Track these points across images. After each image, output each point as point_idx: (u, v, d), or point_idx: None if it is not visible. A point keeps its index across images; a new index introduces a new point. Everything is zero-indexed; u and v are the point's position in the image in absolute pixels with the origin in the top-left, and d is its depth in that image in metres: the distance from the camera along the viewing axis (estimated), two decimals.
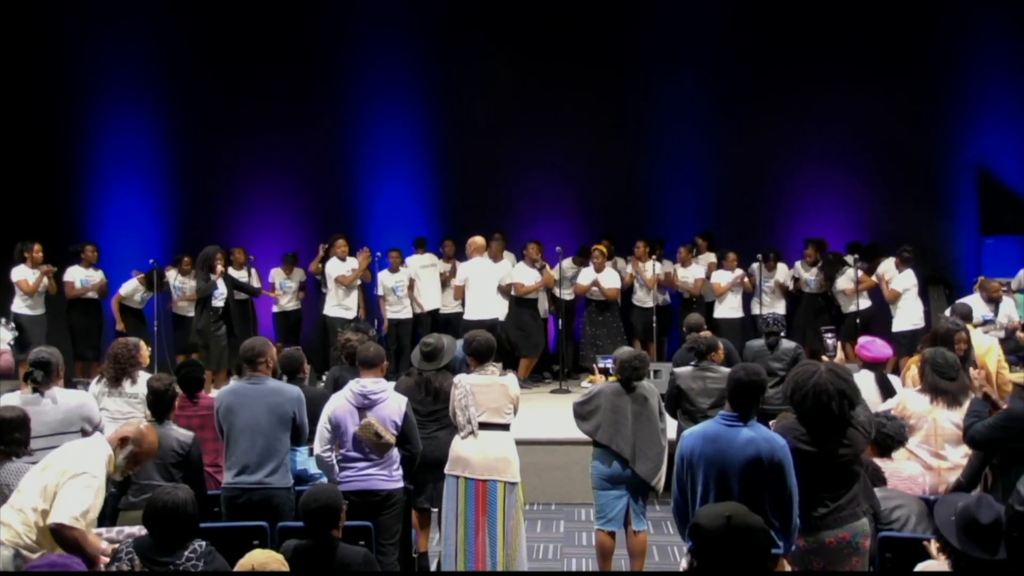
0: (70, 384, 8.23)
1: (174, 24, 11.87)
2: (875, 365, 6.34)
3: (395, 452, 5.38)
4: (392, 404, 5.38)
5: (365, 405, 5.33)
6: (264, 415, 5.17)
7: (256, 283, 10.88)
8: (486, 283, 9.75)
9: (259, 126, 12.04)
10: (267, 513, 5.05)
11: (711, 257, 11.32)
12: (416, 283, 10.89)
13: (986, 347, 7.09)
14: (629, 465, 5.77)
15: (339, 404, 5.38)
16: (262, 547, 4.46)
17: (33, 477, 4.12)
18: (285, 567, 3.79)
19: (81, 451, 4.18)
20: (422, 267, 10.96)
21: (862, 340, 6.53)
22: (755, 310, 10.64)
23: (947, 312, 7.83)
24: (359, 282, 10.56)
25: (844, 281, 10.60)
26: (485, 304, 9.67)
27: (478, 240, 9.85)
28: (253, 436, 5.15)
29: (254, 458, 5.13)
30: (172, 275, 10.78)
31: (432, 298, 10.92)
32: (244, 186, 12.21)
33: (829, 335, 5.09)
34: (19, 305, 9.88)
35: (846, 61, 11.70)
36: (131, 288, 10.49)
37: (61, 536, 3.99)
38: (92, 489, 4.06)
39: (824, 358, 4.98)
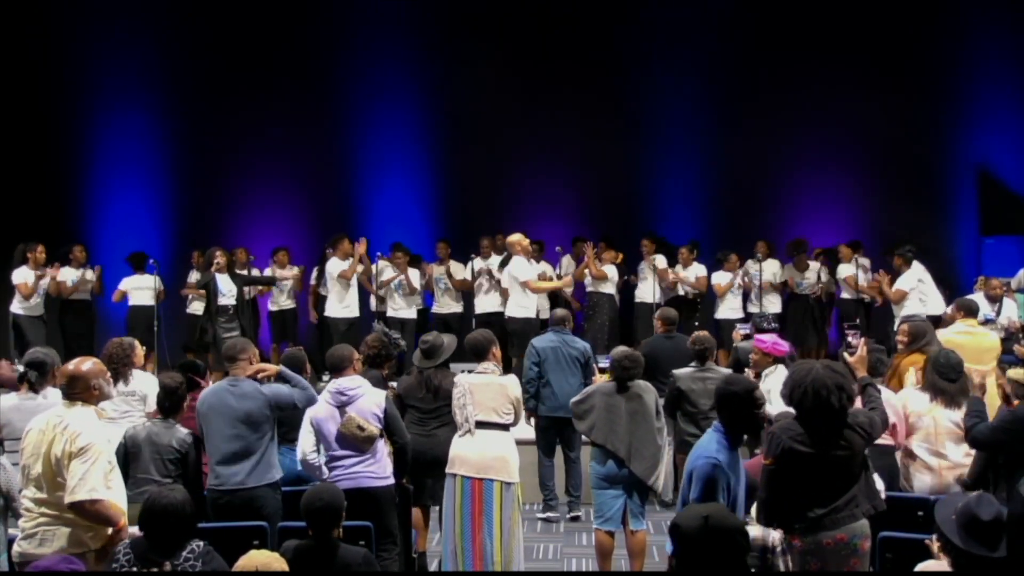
0: None
1: (174, 24, 11.88)
2: (785, 361, 6.30)
3: (381, 446, 5.40)
4: (370, 398, 5.41)
5: (343, 403, 5.36)
6: (241, 416, 5.15)
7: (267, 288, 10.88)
8: (510, 282, 9.45)
9: (259, 126, 12.04)
10: (251, 513, 5.04)
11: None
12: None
13: (988, 345, 7.12)
14: (625, 464, 5.77)
15: (319, 407, 5.41)
16: (262, 547, 4.47)
17: (42, 459, 4.18)
18: (286, 568, 3.79)
19: (74, 423, 4.21)
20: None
21: (764, 337, 6.52)
22: (750, 309, 10.64)
23: (948, 308, 7.81)
24: (355, 279, 10.50)
25: (846, 270, 10.74)
26: (526, 302, 9.30)
27: (515, 238, 9.42)
28: (228, 438, 5.14)
29: (231, 460, 5.12)
30: (191, 275, 10.78)
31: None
32: (244, 186, 12.21)
33: (852, 333, 5.05)
34: (18, 306, 9.87)
35: (846, 62, 11.70)
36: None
37: (84, 512, 4.11)
38: (99, 461, 4.14)
39: (846, 355, 4.98)
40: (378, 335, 6.66)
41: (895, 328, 7.27)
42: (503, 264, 10.01)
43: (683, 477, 4.19)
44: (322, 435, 5.38)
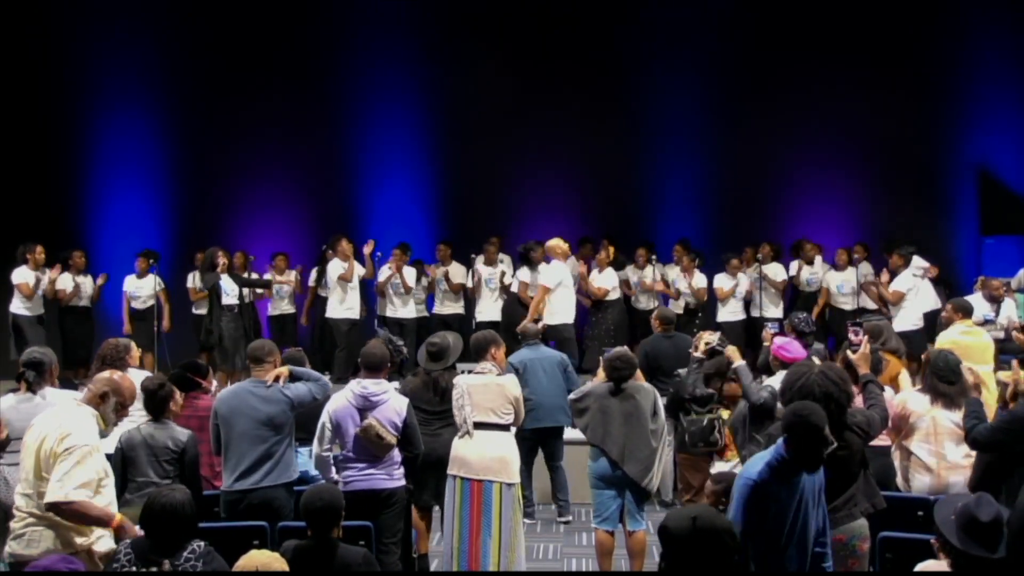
0: (70, 385, 8.20)
1: (174, 24, 11.88)
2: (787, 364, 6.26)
3: (396, 451, 5.39)
4: (393, 405, 5.38)
5: (366, 406, 5.33)
6: (264, 419, 5.17)
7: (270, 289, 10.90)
8: (567, 287, 9.45)
9: (259, 126, 12.04)
10: (268, 514, 5.05)
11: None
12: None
13: (987, 345, 7.13)
14: (618, 466, 5.77)
15: (340, 404, 5.38)
16: (262, 547, 4.47)
17: (33, 455, 4.18)
18: (286, 568, 3.79)
19: (68, 422, 4.20)
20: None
21: (779, 340, 6.51)
22: (754, 312, 10.62)
23: (945, 309, 7.78)
24: (356, 281, 10.50)
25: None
26: (567, 308, 9.35)
27: (553, 242, 9.44)
28: (252, 440, 5.15)
29: (252, 462, 5.14)
30: (192, 276, 10.79)
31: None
32: (244, 186, 12.20)
33: (855, 330, 5.03)
34: (18, 306, 9.87)
35: (846, 62, 11.69)
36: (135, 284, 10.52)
37: (62, 514, 4.08)
38: (84, 463, 4.11)
39: (848, 352, 4.98)
40: (382, 340, 6.63)
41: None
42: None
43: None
44: (339, 433, 5.36)
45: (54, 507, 4.06)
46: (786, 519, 3.72)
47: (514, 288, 10.30)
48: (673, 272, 11.07)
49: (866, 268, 10.78)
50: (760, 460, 3.79)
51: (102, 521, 4.14)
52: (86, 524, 4.13)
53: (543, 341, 7.91)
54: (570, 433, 7.27)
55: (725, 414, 5.90)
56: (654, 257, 11.00)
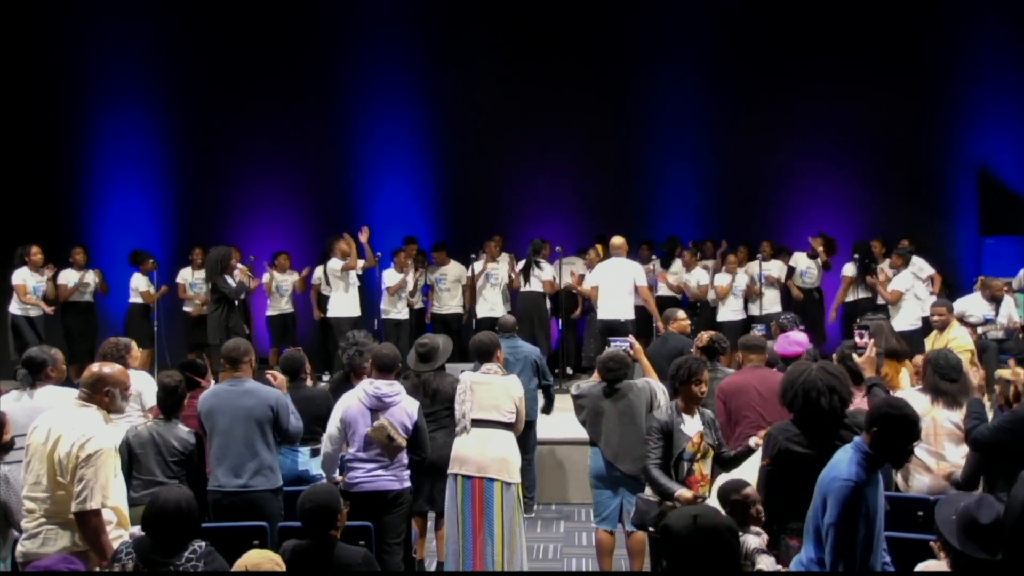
0: (70, 384, 8.19)
1: (174, 24, 11.89)
2: (792, 360, 6.26)
3: (404, 453, 5.39)
4: (405, 407, 5.38)
5: (379, 407, 5.32)
6: (242, 417, 5.16)
7: (254, 283, 10.88)
8: (619, 283, 9.37)
9: (259, 126, 12.05)
10: (252, 516, 5.05)
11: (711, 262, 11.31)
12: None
13: (966, 345, 7.14)
14: (614, 465, 5.76)
15: (351, 404, 5.37)
16: (262, 547, 4.47)
17: (46, 459, 4.18)
18: (281, 567, 3.80)
19: (85, 426, 4.20)
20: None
21: (780, 341, 6.52)
22: (753, 311, 10.62)
23: (940, 313, 7.77)
24: (357, 275, 10.47)
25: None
26: (615, 304, 9.33)
27: (616, 240, 9.48)
28: (232, 439, 5.14)
29: (235, 461, 5.13)
30: (187, 273, 10.79)
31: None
32: (244, 186, 12.21)
33: (860, 332, 5.00)
34: (16, 307, 9.87)
35: (846, 61, 11.71)
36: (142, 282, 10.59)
37: (84, 524, 4.10)
38: (103, 469, 4.14)
39: (854, 355, 4.96)
40: (344, 347, 6.52)
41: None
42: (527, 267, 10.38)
43: (813, 501, 3.70)
44: (349, 433, 5.36)
45: (81, 516, 4.08)
46: (876, 518, 3.63)
47: (529, 286, 10.39)
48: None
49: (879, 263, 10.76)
50: (847, 461, 3.60)
51: (99, 544, 4.12)
52: (89, 539, 4.12)
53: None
54: (572, 432, 7.26)
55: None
56: (655, 257, 10.99)
